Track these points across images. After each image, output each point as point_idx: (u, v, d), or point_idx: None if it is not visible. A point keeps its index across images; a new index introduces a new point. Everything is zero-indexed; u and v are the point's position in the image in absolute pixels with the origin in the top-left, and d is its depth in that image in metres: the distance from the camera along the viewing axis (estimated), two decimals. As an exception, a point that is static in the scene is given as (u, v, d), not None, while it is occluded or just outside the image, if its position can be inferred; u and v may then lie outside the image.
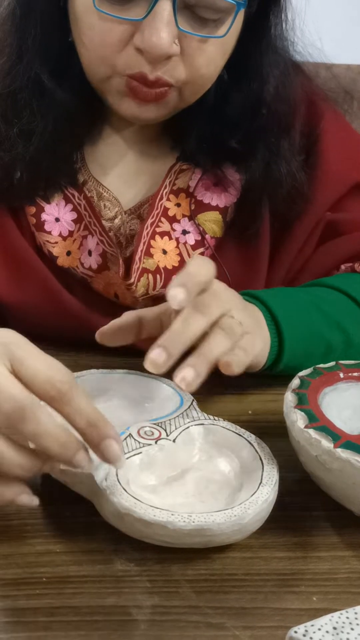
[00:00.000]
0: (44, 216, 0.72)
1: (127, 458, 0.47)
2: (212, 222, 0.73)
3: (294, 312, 0.63)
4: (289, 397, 0.50)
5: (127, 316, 0.59)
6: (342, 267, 0.77)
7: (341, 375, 0.53)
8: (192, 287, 0.50)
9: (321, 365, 0.54)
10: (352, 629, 0.35)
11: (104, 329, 0.59)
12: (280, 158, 0.70)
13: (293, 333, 0.61)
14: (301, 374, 0.53)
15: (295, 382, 0.52)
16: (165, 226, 0.73)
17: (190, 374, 0.48)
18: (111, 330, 0.59)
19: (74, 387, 0.42)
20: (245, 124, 0.70)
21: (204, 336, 0.51)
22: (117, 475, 0.45)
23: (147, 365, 0.47)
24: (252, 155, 0.71)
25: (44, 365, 0.42)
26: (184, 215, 0.73)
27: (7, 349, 0.42)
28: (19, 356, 0.42)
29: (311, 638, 0.34)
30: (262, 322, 0.61)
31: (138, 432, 0.50)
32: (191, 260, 0.52)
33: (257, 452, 0.49)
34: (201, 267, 0.52)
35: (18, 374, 0.41)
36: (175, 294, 0.49)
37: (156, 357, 0.47)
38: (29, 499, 0.43)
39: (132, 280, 0.70)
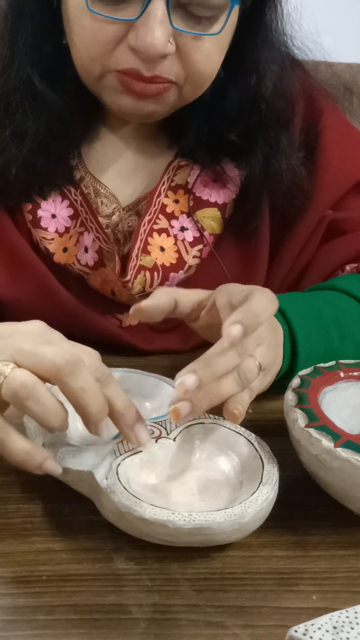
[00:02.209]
0: (40, 212, 0.71)
1: (128, 457, 0.47)
2: (210, 218, 0.73)
3: (313, 330, 0.61)
4: (289, 396, 0.50)
5: (166, 297, 0.58)
6: (347, 267, 0.76)
7: (341, 374, 0.53)
8: (251, 328, 0.50)
9: (321, 365, 0.54)
10: (352, 628, 0.35)
11: (140, 306, 0.57)
12: (280, 153, 0.70)
13: (308, 354, 0.60)
14: (301, 373, 0.53)
15: (296, 381, 0.52)
16: (163, 223, 0.72)
17: (186, 409, 0.47)
18: (148, 309, 0.57)
19: (110, 372, 0.46)
20: (243, 120, 0.70)
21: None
22: (117, 473, 0.45)
23: (178, 386, 0.47)
24: (251, 150, 0.71)
25: (82, 349, 0.46)
26: (182, 212, 0.73)
27: (45, 332, 0.46)
28: (57, 340, 0.46)
29: (311, 637, 0.34)
30: (280, 348, 0.59)
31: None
32: (257, 296, 0.51)
33: (257, 451, 0.49)
34: (266, 307, 0.51)
35: None
36: (231, 331, 0.48)
37: (187, 381, 0.47)
38: (55, 466, 0.44)
39: (128, 277, 0.70)
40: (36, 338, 0.45)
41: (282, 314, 0.61)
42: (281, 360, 0.59)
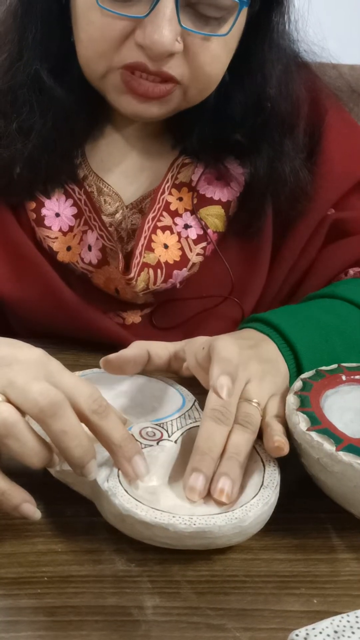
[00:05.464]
0: (44, 211, 0.71)
1: None
2: (214, 216, 0.73)
3: (314, 339, 0.61)
4: (291, 400, 0.50)
5: (137, 349, 0.57)
6: (351, 271, 0.76)
7: (343, 377, 0.53)
8: (234, 373, 0.51)
9: (323, 368, 0.54)
10: (353, 632, 0.35)
11: (111, 358, 0.57)
12: (284, 156, 0.70)
13: (312, 364, 0.59)
14: (303, 376, 0.53)
15: (298, 384, 0.52)
16: (166, 220, 0.72)
17: (228, 485, 0.46)
18: (119, 361, 0.57)
19: (109, 403, 0.45)
20: (248, 122, 0.70)
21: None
22: (118, 476, 0.45)
23: (189, 493, 0.46)
24: (256, 152, 0.71)
25: (81, 380, 0.45)
26: (186, 210, 0.73)
27: (43, 363, 0.45)
28: (55, 370, 0.45)
29: (312, 641, 0.34)
30: (280, 363, 0.58)
31: (140, 432, 0.50)
32: (219, 344, 0.52)
33: (259, 454, 0.49)
34: (231, 350, 0.52)
35: (57, 387, 0.43)
36: (223, 384, 0.49)
37: (194, 484, 0.46)
38: (32, 510, 0.44)
39: (132, 275, 0.70)
40: (32, 371, 0.44)
41: (276, 329, 0.61)
42: (286, 370, 0.58)
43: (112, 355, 0.57)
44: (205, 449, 0.47)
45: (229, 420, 0.49)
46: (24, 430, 0.42)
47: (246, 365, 0.54)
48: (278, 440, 0.48)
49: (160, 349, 0.59)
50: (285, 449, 0.48)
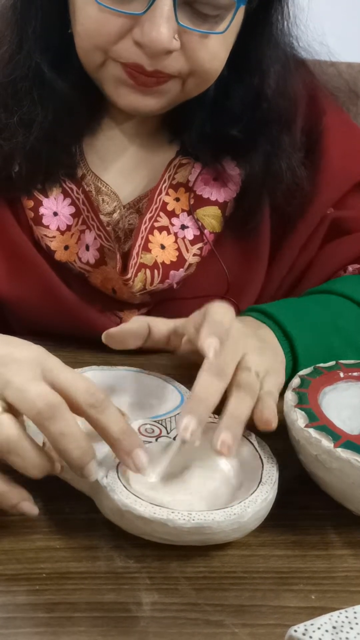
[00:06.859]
0: (42, 210, 0.71)
1: None
2: (211, 217, 0.73)
3: (310, 332, 0.61)
4: (289, 396, 0.50)
5: (138, 323, 0.58)
6: (350, 268, 0.77)
7: (341, 374, 0.53)
8: (223, 335, 0.51)
9: (321, 365, 0.55)
10: (351, 628, 0.35)
11: (112, 332, 0.58)
12: (281, 152, 0.70)
13: (308, 355, 0.60)
14: (301, 373, 0.53)
15: (296, 381, 0.52)
16: (163, 221, 0.72)
17: (229, 438, 0.46)
18: (120, 335, 0.58)
19: (107, 397, 0.45)
20: (246, 118, 0.70)
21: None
22: (117, 472, 0.45)
23: (182, 431, 0.46)
24: (253, 148, 0.71)
25: (78, 375, 0.45)
26: (182, 210, 0.73)
27: (40, 361, 0.45)
28: (53, 367, 0.45)
29: (311, 637, 0.34)
30: (277, 348, 0.59)
31: (139, 429, 0.51)
32: (213, 309, 0.53)
33: (257, 451, 0.49)
34: (224, 314, 0.53)
35: (54, 384, 0.44)
36: (211, 343, 0.50)
37: (189, 423, 0.46)
38: (30, 507, 0.44)
39: (129, 275, 0.70)
40: (30, 371, 0.44)
41: (272, 319, 0.61)
42: (283, 357, 0.59)
43: (113, 329, 0.58)
44: (202, 395, 0.47)
45: (226, 377, 0.49)
46: (26, 446, 0.43)
47: (245, 340, 0.54)
48: (267, 413, 0.48)
49: (161, 324, 0.59)
50: (274, 423, 0.48)
